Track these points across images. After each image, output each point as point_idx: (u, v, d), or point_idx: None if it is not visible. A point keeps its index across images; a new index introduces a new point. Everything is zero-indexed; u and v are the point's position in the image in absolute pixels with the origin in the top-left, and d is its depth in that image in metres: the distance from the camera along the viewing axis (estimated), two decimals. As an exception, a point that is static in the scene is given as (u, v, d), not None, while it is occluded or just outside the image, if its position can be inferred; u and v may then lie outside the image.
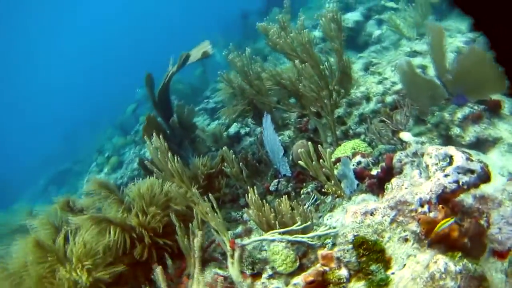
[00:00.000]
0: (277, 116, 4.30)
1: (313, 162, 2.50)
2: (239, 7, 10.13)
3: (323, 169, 2.47)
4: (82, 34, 29.11)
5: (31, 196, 10.46)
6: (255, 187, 3.22)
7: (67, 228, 2.36)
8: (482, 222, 1.69)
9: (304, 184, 3.15)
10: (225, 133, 5.01)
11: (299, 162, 2.55)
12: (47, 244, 2.14)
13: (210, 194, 2.30)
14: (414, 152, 2.27)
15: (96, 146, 9.15)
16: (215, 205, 2.31)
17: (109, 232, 2.30)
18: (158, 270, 2.23)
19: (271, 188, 3.16)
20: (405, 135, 2.71)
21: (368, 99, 3.72)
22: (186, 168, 3.16)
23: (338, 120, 3.73)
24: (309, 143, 3.44)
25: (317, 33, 6.08)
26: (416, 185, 1.87)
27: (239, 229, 2.81)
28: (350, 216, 1.90)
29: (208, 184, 3.30)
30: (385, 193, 2.05)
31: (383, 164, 2.50)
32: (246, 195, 2.33)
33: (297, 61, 2.91)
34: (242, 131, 5.25)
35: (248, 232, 2.71)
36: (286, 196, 2.58)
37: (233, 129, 4.94)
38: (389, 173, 2.37)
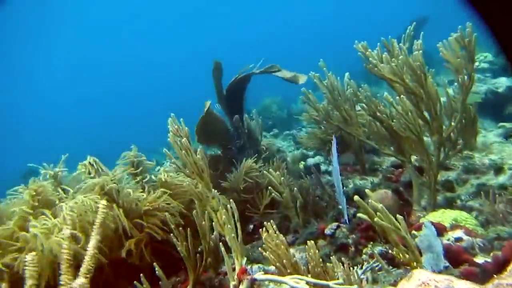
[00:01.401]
0: (366, 158, 3.57)
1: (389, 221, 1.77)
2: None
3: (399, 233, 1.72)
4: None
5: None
6: (306, 224, 2.60)
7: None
8: None
9: (372, 243, 2.37)
10: (303, 162, 4.46)
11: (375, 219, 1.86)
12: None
13: (231, 201, 1.80)
14: None
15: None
16: (236, 216, 1.79)
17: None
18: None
19: (327, 231, 2.46)
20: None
21: (498, 170, 2.72)
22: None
23: (445, 183, 2.83)
24: (394, 197, 2.64)
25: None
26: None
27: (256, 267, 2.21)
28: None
29: (247, 201, 2.79)
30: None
31: (499, 253, 1.62)
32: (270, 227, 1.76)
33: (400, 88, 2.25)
34: (324, 167, 4.62)
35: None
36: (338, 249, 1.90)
37: (313, 160, 4.36)
38: (504, 267, 1.49)
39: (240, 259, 1.68)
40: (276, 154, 3.74)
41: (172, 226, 1.87)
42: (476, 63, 4.04)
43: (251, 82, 3.21)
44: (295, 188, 2.51)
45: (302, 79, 2.97)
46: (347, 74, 2.70)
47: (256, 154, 3.31)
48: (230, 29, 27.28)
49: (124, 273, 1.97)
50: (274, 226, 1.77)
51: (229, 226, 1.74)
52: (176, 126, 1.91)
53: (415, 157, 2.96)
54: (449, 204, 2.69)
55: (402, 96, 2.22)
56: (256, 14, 27.27)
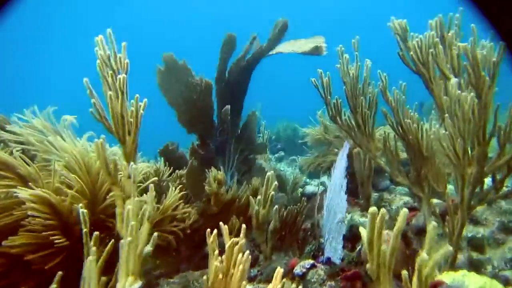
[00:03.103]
0: (376, 193, 2.89)
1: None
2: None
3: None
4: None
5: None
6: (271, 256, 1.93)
7: None
8: None
9: (356, 299, 1.66)
10: (300, 190, 3.78)
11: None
12: None
13: (151, 187, 1.20)
14: None
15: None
16: (148, 211, 1.17)
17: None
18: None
19: (297, 270, 1.78)
20: None
21: (549, 235, 1.97)
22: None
23: (471, 240, 2.10)
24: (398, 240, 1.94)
25: None
26: None
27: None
28: None
29: (219, 215, 2.14)
30: None
31: None
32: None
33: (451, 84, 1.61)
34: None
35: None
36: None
37: (311, 188, 3.67)
38: None
39: (124, 279, 1.04)
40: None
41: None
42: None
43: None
44: (275, 207, 1.86)
45: (322, 50, 2.37)
46: (368, 62, 2.04)
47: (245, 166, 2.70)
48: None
49: None
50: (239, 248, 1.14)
51: (132, 224, 1.13)
52: (108, 52, 1.27)
53: (435, 200, 2.28)
54: (475, 268, 1.95)
55: (472, 95, 1.52)
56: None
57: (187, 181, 2.09)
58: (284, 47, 2.45)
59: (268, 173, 1.76)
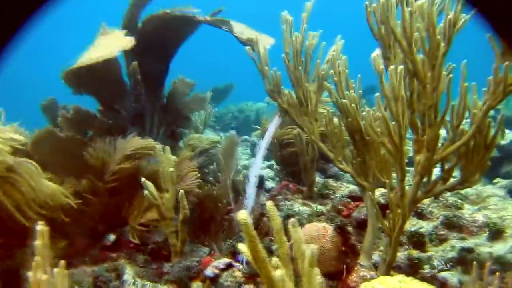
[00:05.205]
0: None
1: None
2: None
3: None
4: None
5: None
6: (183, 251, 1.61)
7: None
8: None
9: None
10: (245, 172, 3.48)
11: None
12: None
13: None
14: None
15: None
16: None
17: None
18: None
19: (208, 271, 1.45)
20: None
21: (495, 234, 1.81)
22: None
23: (413, 236, 1.90)
24: (335, 237, 1.69)
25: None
26: None
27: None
28: None
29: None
30: None
31: None
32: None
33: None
34: (272, 184, 3.65)
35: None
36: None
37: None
38: None
39: None
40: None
41: None
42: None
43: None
44: (180, 191, 1.49)
45: (267, 42, 2.03)
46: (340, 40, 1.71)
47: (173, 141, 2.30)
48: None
49: None
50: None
51: None
52: None
53: (383, 190, 2.05)
54: (413, 267, 1.75)
55: (401, 67, 1.25)
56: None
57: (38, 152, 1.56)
58: (237, 27, 2.07)
59: (157, 146, 1.39)
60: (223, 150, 2.52)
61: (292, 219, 0.79)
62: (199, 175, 1.80)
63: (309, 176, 2.45)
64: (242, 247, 0.71)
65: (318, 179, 2.89)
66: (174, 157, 1.44)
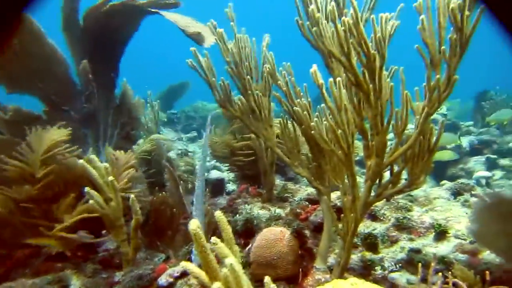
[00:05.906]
0: (281, 182, 2.67)
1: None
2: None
3: None
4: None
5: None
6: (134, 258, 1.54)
7: None
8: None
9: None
10: (207, 174, 3.43)
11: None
12: None
13: None
14: None
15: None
16: None
17: None
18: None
19: (161, 280, 1.40)
20: None
21: (440, 235, 1.92)
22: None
23: (367, 238, 1.97)
24: (292, 241, 1.70)
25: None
26: None
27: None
28: None
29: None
30: None
31: None
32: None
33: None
34: (232, 187, 3.63)
35: None
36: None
37: (217, 174, 3.34)
38: None
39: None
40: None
41: None
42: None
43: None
44: (131, 196, 1.42)
45: (208, 41, 1.99)
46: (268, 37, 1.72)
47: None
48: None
49: None
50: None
51: None
52: None
53: (339, 193, 2.10)
54: (366, 269, 1.81)
55: (339, 79, 1.30)
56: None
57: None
58: (171, 15, 1.99)
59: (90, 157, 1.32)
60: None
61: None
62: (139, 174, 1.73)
63: (268, 180, 2.46)
64: (190, 266, 0.68)
65: (278, 181, 2.92)
66: (104, 164, 1.35)
